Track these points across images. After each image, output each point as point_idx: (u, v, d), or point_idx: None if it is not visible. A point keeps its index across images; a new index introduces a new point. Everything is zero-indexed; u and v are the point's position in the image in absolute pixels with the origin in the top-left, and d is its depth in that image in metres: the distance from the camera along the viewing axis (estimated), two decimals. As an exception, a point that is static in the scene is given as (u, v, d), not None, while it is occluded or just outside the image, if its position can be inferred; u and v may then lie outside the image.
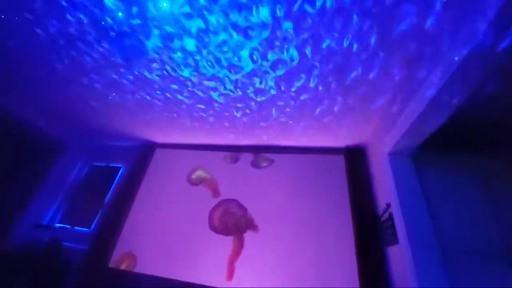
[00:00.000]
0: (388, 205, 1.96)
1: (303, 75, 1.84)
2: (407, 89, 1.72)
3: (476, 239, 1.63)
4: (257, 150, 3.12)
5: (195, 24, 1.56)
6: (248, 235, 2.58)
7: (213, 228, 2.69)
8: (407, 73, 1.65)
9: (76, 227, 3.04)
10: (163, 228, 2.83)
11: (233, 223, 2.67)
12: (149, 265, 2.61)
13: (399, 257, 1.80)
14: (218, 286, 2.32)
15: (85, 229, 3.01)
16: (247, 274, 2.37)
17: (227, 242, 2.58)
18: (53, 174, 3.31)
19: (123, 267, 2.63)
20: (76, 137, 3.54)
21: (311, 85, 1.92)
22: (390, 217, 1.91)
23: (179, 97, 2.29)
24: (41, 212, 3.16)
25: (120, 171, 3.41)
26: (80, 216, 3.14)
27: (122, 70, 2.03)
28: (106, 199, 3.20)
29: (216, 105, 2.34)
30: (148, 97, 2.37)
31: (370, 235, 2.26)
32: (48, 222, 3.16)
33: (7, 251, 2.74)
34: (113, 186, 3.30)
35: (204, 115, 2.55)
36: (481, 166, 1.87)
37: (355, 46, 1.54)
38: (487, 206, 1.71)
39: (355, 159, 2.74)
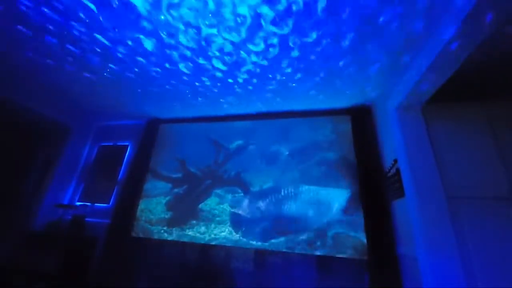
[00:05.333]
0: (395, 161, 2.00)
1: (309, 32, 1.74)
2: (415, 41, 1.63)
3: (484, 184, 1.67)
4: (263, 117, 3.11)
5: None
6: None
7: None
8: (414, 25, 1.54)
9: (96, 204, 3.21)
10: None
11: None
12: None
13: (405, 210, 1.88)
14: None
15: (105, 205, 3.18)
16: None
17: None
18: (65, 157, 3.40)
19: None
20: (80, 119, 3.56)
21: (309, 40, 1.81)
22: (397, 172, 1.95)
23: (177, 67, 2.21)
24: (60, 193, 3.31)
25: (128, 149, 3.48)
26: (98, 193, 3.30)
27: (111, 34, 1.90)
28: (120, 176, 3.32)
29: (216, 72, 2.27)
30: (145, 70, 2.30)
31: (376, 190, 2.34)
32: (69, 202, 3.33)
33: (35, 231, 2.93)
34: (124, 162, 3.40)
35: (205, 83, 2.48)
36: (487, 113, 1.85)
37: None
38: (494, 151, 1.72)
39: (361, 118, 2.72)
